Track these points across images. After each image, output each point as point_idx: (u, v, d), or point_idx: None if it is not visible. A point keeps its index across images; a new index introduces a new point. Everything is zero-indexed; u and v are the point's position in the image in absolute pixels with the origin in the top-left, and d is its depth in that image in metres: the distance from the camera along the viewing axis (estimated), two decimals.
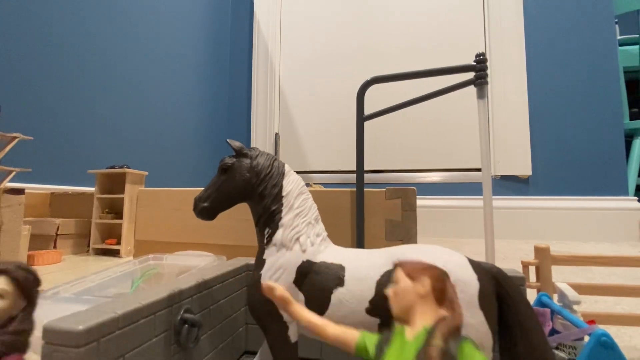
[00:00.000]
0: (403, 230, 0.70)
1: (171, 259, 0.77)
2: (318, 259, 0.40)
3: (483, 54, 0.64)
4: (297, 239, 0.40)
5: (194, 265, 0.70)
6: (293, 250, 0.40)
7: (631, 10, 2.52)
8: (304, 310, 0.32)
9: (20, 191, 0.88)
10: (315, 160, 2.41)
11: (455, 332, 0.24)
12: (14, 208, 0.86)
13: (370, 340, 0.27)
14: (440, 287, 0.26)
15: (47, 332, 0.28)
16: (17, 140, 0.89)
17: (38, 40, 1.32)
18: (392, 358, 0.25)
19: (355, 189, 0.71)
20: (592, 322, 0.43)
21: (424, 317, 0.26)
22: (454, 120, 2.15)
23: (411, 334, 0.25)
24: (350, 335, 0.28)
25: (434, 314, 0.26)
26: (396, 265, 0.29)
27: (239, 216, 0.69)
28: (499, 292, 0.35)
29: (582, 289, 0.50)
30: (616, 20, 2.11)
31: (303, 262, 0.39)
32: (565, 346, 0.44)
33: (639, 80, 2.53)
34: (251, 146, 0.46)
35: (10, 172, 0.90)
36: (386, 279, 0.36)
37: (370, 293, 0.36)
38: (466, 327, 0.32)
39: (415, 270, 0.27)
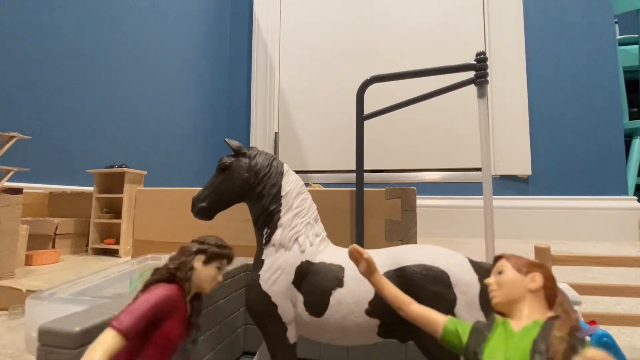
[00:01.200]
0: (403, 230, 0.69)
1: None
2: (317, 259, 0.39)
3: (483, 53, 0.64)
4: (296, 239, 0.40)
5: None
6: (292, 251, 0.39)
7: (631, 10, 2.52)
8: (389, 283, 0.31)
9: (18, 191, 0.88)
10: (315, 159, 2.41)
11: (575, 333, 0.22)
12: (12, 208, 0.85)
13: (462, 327, 0.26)
14: (552, 287, 0.26)
15: (43, 333, 0.28)
16: (15, 139, 0.89)
17: (36, 39, 1.32)
18: (497, 346, 0.24)
19: (354, 189, 0.71)
20: (592, 322, 0.43)
21: (533, 312, 0.25)
22: (454, 120, 2.14)
23: (518, 326, 0.24)
24: (436, 316, 0.28)
25: (544, 312, 0.25)
26: (499, 257, 0.29)
27: (238, 216, 0.69)
28: None
29: (582, 289, 0.50)
30: (616, 20, 2.10)
31: (302, 262, 0.39)
32: None
33: (639, 80, 2.52)
34: (250, 146, 0.46)
35: (9, 171, 0.89)
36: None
37: (370, 294, 0.36)
38: None
39: (524, 264, 0.27)
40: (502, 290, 0.26)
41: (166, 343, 0.28)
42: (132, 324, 0.25)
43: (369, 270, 0.31)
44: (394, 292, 0.30)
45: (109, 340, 0.24)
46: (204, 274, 0.32)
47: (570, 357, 0.21)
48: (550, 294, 0.25)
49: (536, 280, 0.26)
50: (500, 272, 0.27)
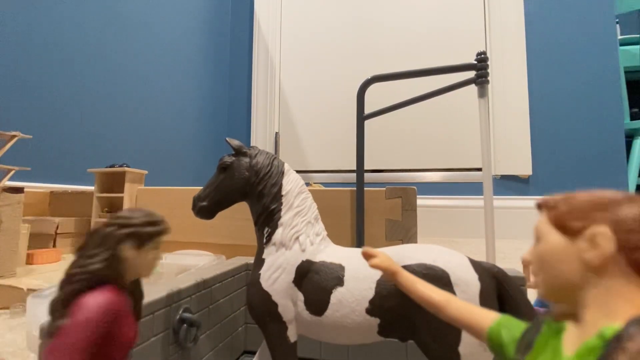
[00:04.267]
0: (403, 229, 0.70)
1: (170, 258, 0.76)
2: (317, 258, 0.39)
3: (484, 53, 0.64)
4: (297, 238, 0.40)
5: (193, 265, 0.70)
6: (292, 250, 0.40)
7: (632, 10, 2.52)
8: (418, 283, 0.25)
9: (19, 190, 0.88)
10: (316, 159, 2.41)
11: None
12: (13, 207, 0.85)
13: (509, 332, 0.19)
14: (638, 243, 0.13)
15: (44, 331, 0.28)
16: (16, 138, 0.89)
17: (37, 39, 1.32)
18: None
19: (355, 189, 0.71)
20: None
21: (600, 312, 0.14)
22: (454, 120, 2.14)
23: (573, 342, 0.14)
24: (481, 317, 0.21)
25: (624, 307, 0.13)
26: (539, 205, 0.18)
27: (239, 215, 0.69)
28: (500, 291, 0.34)
29: None
30: (617, 20, 2.10)
31: (302, 261, 0.39)
32: None
33: None
34: (251, 145, 0.46)
35: (10, 170, 0.89)
36: (386, 279, 0.36)
37: (370, 293, 0.36)
38: None
39: (571, 211, 0.15)
40: (542, 272, 0.16)
41: (122, 347, 0.26)
42: None
43: (388, 273, 0.26)
44: (429, 295, 0.24)
45: None
46: (141, 261, 0.26)
47: None
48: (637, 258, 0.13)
49: (599, 241, 0.13)
50: (538, 239, 0.17)
